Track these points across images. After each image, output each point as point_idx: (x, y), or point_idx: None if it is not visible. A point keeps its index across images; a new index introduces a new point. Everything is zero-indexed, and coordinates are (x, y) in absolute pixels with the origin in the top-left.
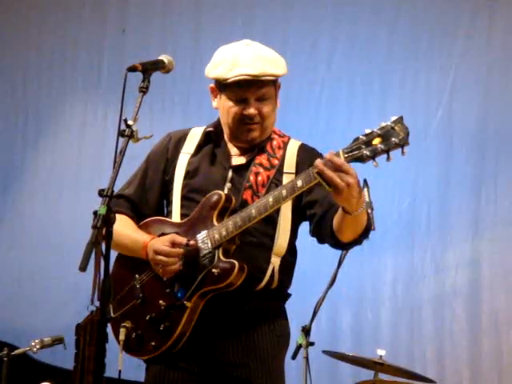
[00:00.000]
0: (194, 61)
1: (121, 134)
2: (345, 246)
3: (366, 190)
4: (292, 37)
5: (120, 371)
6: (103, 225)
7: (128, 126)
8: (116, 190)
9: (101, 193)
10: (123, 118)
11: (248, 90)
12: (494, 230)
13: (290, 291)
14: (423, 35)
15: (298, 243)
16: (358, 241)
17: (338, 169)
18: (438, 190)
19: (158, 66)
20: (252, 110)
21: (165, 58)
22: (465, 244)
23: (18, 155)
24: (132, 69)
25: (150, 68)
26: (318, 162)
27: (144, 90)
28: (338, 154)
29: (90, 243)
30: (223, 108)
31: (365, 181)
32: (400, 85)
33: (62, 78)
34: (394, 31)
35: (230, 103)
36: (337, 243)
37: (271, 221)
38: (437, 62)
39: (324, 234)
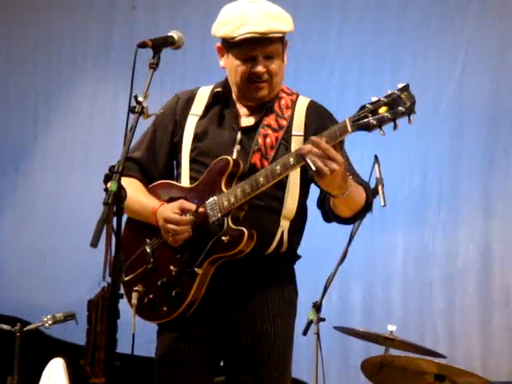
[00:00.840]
0: (204, 36)
1: (131, 110)
2: (347, 221)
3: (376, 166)
4: (303, 10)
5: (134, 335)
6: (114, 201)
7: (138, 103)
8: None
9: (111, 169)
10: (133, 94)
11: (256, 48)
12: (506, 206)
13: (301, 260)
14: (435, 10)
15: (308, 220)
16: (358, 216)
17: (323, 154)
18: (450, 167)
19: (168, 42)
20: (260, 68)
21: (175, 33)
22: (476, 220)
23: (29, 133)
24: (142, 45)
25: (160, 44)
26: (306, 145)
27: (154, 67)
28: (332, 132)
29: (102, 220)
30: (231, 67)
31: (375, 157)
32: (411, 60)
33: (72, 55)
34: (406, 5)
35: (238, 62)
36: (337, 219)
37: (280, 184)
38: (448, 37)
39: (326, 209)
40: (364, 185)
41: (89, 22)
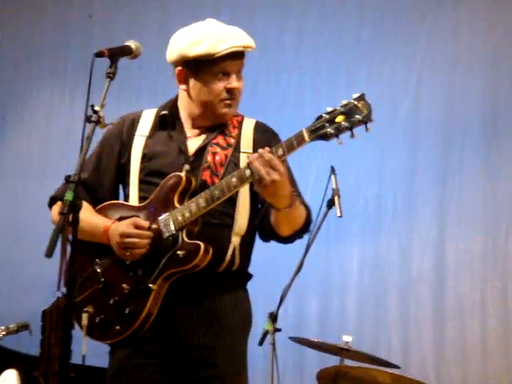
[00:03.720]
0: (161, 46)
1: (88, 119)
2: (285, 240)
3: (332, 177)
4: (260, 23)
5: (84, 356)
6: (70, 211)
7: (95, 112)
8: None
9: (67, 179)
10: (90, 103)
11: (235, 63)
12: (459, 217)
13: (254, 275)
14: (391, 23)
15: None
16: (297, 235)
17: (267, 163)
18: (405, 177)
19: (126, 51)
20: (236, 84)
21: (132, 43)
22: (430, 232)
23: None
24: (99, 54)
25: (118, 53)
26: (252, 155)
27: (111, 76)
28: (287, 143)
29: (57, 229)
30: (201, 86)
31: (332, 168)
32: (367, 73)
33: (28, 63)
34: (363, 18)
35: (213, 79)
36: (276, 237)
37: (231, 201)
38: (403, 51)
39: (265, 226)
40: (306, 205)
41: (45, 29)
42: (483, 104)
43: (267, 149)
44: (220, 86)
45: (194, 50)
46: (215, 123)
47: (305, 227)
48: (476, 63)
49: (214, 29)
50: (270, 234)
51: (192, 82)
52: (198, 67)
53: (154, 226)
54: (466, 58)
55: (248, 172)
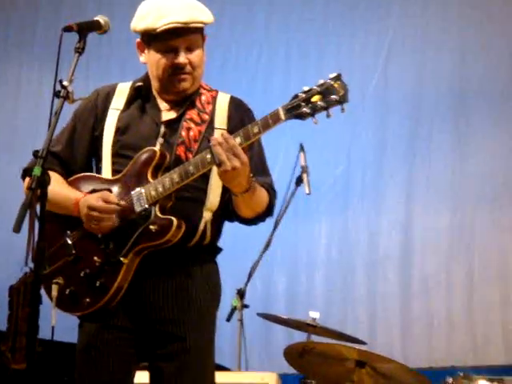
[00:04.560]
0: (130, 21)
1: (56, 94)
2: (248, 222)
3: (301, 154)
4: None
5: (53, 327)
6: (38, 186)
7: (63, 87)
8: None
9: (35, 154)
10: (59, 78)
11: (178, 39)
12: (427, 194)
13: (226, 248)
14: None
15: None
16: (259, 218)
17: (229, 149)
18: (373, 155)
19: (95, 26)
20: (182, 59)
21: (101, 18)
22: (398, 209)
23: None
24: (68, 29)
25: (86, 28)
26: (215, 137)
27: (80, 51)
28: (261, 121)
29: (25, 205)
30: (152, 61)
31: (301, 145)
32: (336, 48)
33: None
34: None
35: (159, 55)
36: (239, 219)
37: (204, 176)
38: (373, 26)
39: (228, 208)
40: (268, 188)
41: (13, 3)
42: (452, 81)
43: (225, 134)
44: (165, 61)
45: (140, 24)
46: (178, 97)
47: (267, 211)
48: (445, 41)
49: (164, 3)
50: (232, 215)
51: (146, 55)
52: (148, 41)
53: (123, 202)
54: (435, 36)
55: (209, 155)
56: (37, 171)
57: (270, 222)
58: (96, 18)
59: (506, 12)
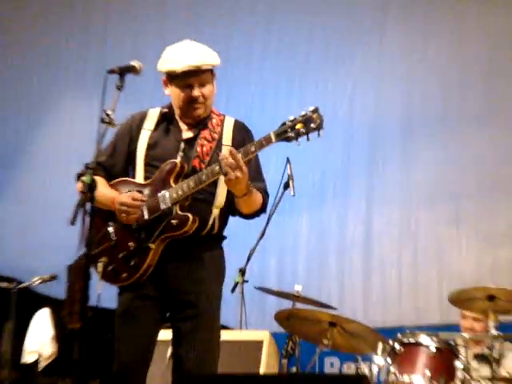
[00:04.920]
0: (156, 65)
1: (102, 120)
2: (246, 217)
3: (288, 165)
4: (235, 45)
5: (99, 295)
6: (88, 190)
7: (107, 115)
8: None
9: (87, 166)
10: (104, 109)
11: (192, 78)
12: (382, 196)
13: (230, 236)
14: (333, 47)
15: None
16: (255, 214)
17: (233, 163)
18: (342, 167)
19: (131, 69)
20: (196, 93)
21: (136, 63)
22: (361, 207)
23: (24, 140)
24: (111, 71)
25: (125, 71)
26: (223, 154)
27: (120, 88)
28: (258, 142)
29: (78, 204)
30: (174, 94)
31: (287, 159)
32: (315, 86)
33: (55, 77)
34: (312, 41)
35: (179, 89)
36: (239, 214)
37: (213, 182)
38: (342, 70)
39: (232, 206)
40: (262, 192)
41: (69, 51)
42: (401, 110)
43: (233, 150)
44: (184, 95)
45: (164, 66)
46: (194, 121)
47: (261, 209)
48: (394, 79)
49: (181, 50)
50: (235, 212)
51: (170, 89)
52: (171, 79)
53: (149, 200)
54: (388, 75)
55: (218, 167)
56: (87, 179)
57: (263, 217)
58: (132, 63)
59: (437, 55)
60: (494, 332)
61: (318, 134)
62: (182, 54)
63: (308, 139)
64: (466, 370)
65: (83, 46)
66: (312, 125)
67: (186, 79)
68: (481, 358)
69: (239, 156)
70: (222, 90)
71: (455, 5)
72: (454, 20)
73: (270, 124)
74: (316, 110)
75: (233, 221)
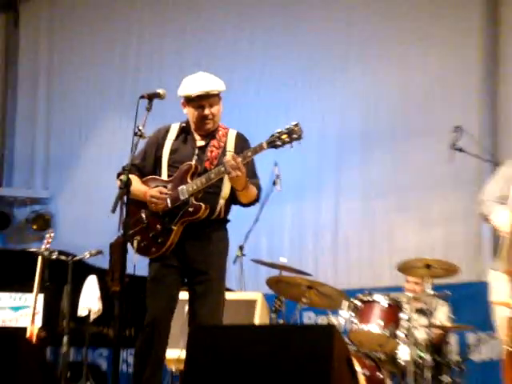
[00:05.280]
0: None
1: (135, 134)
2: (245, 206)
3: (276, 167)
4: (237, 77)
5: (135, 265)
6: (125, 187)
7: (139, 130)
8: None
9: (124, 167)
10: (137, 125)
11: (203, 101)
12: (348, 191)
13: (233, 220)
14: (314, 82)
15: None
16: (251, 204)
17: (235, 165)
18: (316, 168)
19: (157, 96)
20: (207, 112)
21: (161, 90)
22: (330, 199)
23: (78, 150)
24: (142, 97)
25: (152, 96)
26: (227, 158)
27: (149, 109)
28: (254, 149)
29: (118, 197)
30: (190, 113)
31: (275, 162)
32: (301, 105)
33: (102, 101)
34: (289, 69)
35: (193, 109)
36: (240, 204)
37: (220, 179)
38: (318, 94)
39: (235, 198)
40: (257, 187)
41: (112, 79)
42: (361, 124)
43: (234, 155)
44: (197, 114)
45: (182, 92)
46: (205, 133)
47: (255, 200)
48: (356, 101)
49: (195, 79)
50: (236, 202)
51: (187, 109)
52: (187, 102)
53: (172, 193)
54: (351, 97)
55: (223, 168)
56: (124, 178)
57: (258, 205)
58: (158, 91)
59: (385, 84)
60: (429, 292)
61: (299, 142)
62: (196, 83)
63: (291, 147)
64: (409, 320)
65: (122, 76)
66: (294, 135)
67: (198, 102)
68: (420, 311)
69: (239, 159)
70: (227, 109)
71: (399, 45)
72: (398, 58)
73: (263, 135)
74: (297, 125)
75: (235, 208)
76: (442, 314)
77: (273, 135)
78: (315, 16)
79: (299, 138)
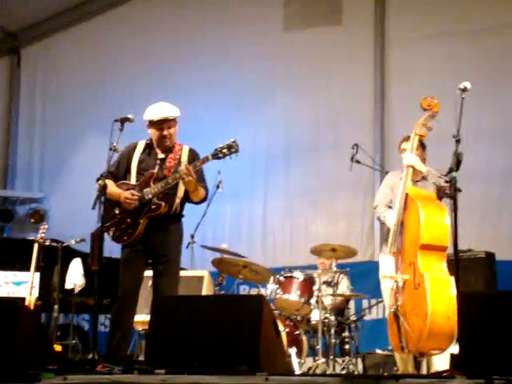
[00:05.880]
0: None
1: (110, 149)
2: (196, 203)
3: (219, 174)
4: (190, 107)
5: (111, 249)
6: (103, 189)
7: (114, 146)
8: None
9: (102, 174)
10: (112, 142)
11: (163, 124)
12: (274, 193)
13: (187, 214)
14: (248, 98)
15: None
16: (200, 202)
17: (187, 172)
18: (249, 175)
19: (128, 119)
20: (166, 132)
21: (131, 116)
22: (260, 199)
23: (65, 155)
24: (116, 120)
25: (124, 120)
26: (181, 167)
27: (121, 130)
28: (201, 160)
29: (96, 198)
30: (153, 133)
31: (219, 171)
32: (231, 126)
33: (82, 126)
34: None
35: (155, 130)
36: (192, 202)
37: (176, 183)
38: (247, 118)
39: (188, 197)
40: (205, 189)
41: (94, 105)
42: (284, 141)
43: (187, 165)
44: (158, 134)
45: (146, 117)
46: (165, 149)
47: (204, 199)
48: (280, 122)
49: (157, 107)
50: (189, 200)
51: (150, 130)
52: (151, 124)
53: (140, 194)
54: (276, 119)
55: (178, 174)
56: (102, 182)
57: (205, 204)
58: (129, 116)
59: (307, 104)
60: (334, 269)
61: (236, 155)
62: (157, 110)
63: (230, 158)
64: (319, 290)
65: (101, 103)
66: (232, 149)
67: (159, 125)
68: (327, 283)
69: (191, 168)
70: (182, 129)
71: (311, 79)
72: (311, 90)
73: (208, 149)
74: (235, 141)
75: (188, 206)
76: (344, 286)
77: (216, 149)
78: (252, 58)
79: (236, 151)
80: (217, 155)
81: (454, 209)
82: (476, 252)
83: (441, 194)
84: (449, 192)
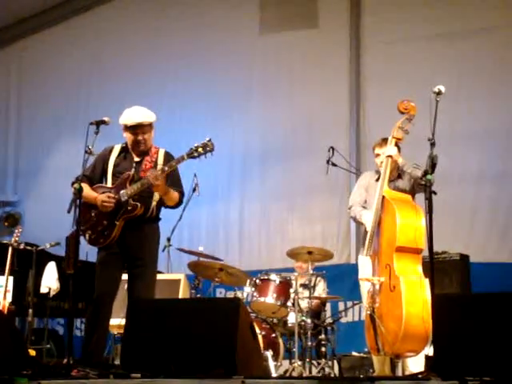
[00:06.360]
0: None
1: (86, 152)
2: (171, 207)
3: (195, 177)
4: (164, 110)
5: (87, 253)
6: (78, 192)
7: (89, 149)
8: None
9: (77, 178)
10: (87, 145)
11: (138, 129)
12: (250, 196)
13: (164, 217)
14: (226, 104)
15: None
16: (175, 206)
17: (157, 177)
18: (227, 178)
19: (104, 122)
20: (140, 138)
21: (106, 118)
22: (237, 202)
23: (41, 159)
24: (91, 123)
25: (99, 123)
26: (149, 172)
27: (96, 133)
28: (177, 159)
29: (72, 201)
30: (128, 137)
31: (195, 174)
32: (208, 131)
33: (58, 125)
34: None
35: (130, 134)
36: (166, 206)
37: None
38: (225, 123)
39: (163, 201)
40: (179, 191)
41: (68, 109)
42: (261, 146)
43: (157, 169)
44: (133, 138)
45: (122, 121)
46: (140, 153)
47: (179, 203)
48: (257, 128)
49: (132, 112)
50: (164, 204)
51: (126, 134)
52: (126, 129)
53: (116, 197)
54: (254, 125)
55: (146, 179)
56: (77, 186)
57: (181, 207)
58: (104, 119)
59: (283, 110)
60: (311, 272)
61: (211, 154)
62: (132, 115)
63: (206, 157)
64: (296, 293)
65: (76, 107)
66: (207, 148)
67: (134, 130)
68: (304, 286)
69: (159, 172)
70: (158, 133)
71: (288, 86)
72: (287, 97)
73: (184, 148)
74: (210, 140)
75: (164, 210)
76: (320, 288)
77: (191, 148)
78: (228, 62)
79: (211, 150)
80: (192, 154)
81: (429, 211)
82: (451, 254)
83: (416, 186)
84: (424, 183)
